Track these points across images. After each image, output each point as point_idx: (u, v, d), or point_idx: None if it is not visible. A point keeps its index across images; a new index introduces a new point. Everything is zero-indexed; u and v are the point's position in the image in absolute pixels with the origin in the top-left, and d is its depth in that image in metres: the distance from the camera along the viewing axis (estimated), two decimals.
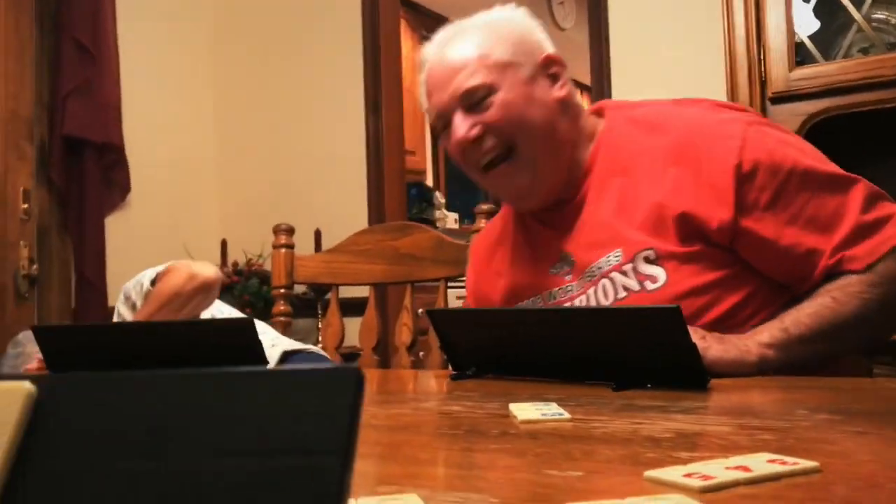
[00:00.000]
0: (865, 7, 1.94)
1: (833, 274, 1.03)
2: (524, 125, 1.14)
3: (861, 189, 1.05)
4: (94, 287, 2.86)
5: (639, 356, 0.88)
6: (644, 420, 0.67)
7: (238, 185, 3.39)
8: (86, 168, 2.86)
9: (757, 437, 0.60)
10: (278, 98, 3.30)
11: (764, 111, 1.94)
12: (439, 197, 5.06)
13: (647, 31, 2.44)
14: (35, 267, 2.82)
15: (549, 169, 1.17)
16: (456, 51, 1.16)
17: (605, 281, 1.11)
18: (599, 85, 2.65)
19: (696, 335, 0.97)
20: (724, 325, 1.03)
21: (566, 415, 0.68)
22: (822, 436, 0.59)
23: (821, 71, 1.90)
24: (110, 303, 2.91)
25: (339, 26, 3.18)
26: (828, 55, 1.98)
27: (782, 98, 1.92)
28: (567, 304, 1.16)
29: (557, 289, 1.18)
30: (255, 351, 1.30)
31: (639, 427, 0.63)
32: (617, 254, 1.10)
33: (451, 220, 5.09)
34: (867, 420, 0.65)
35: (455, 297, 2.57)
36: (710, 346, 0.96)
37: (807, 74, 1.90)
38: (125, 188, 3.02)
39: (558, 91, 1.18)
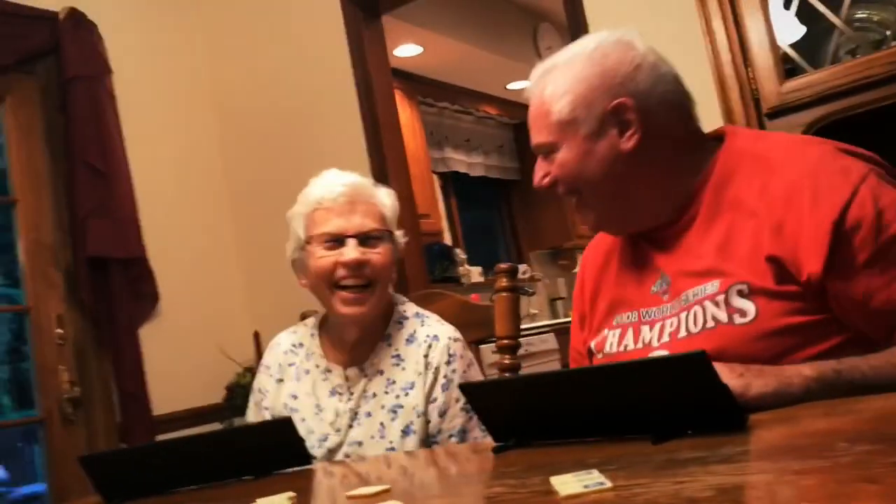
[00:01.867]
0: (844, 9, 1.94)
1: None
2: (581, 180, 1.20)
3: None
4: (138, 400, 2.89)
5: (674, 404, 0.88)
6: (685, 477, 0.67)
7: (262, 277, 3.44)
8: (113, 284, 2.92)
9: (797, 483, 0.60)
10: (289, 188, 3.34)
11: (761, 127, 1.94)
12: (460, 253, 5.09)
13: None
14: (77, 389, 2.86)
15: (616, 212, 1.23)
16: (535, 96, 1.22)
17: (696, 308, 1.12)
18: None
19: (734, 373, 0.96)
20: None
21: (608, 483, 0.68)
22: (862, 472, 0.59)
23: (811, 80, 1.90)
24: (154, 411, 2.94)
25: (338, 111, 3.25)
26: (816, 61, 1.97)
27: (777, 112, 1.92)
28: (660, 323, 1.18)
29: (655, 308, 1.20)
30: (297, 448, 1.32)
31: (680, 488, 0.63)
32: (714, 284, 1.11)
33: (475, 273, 5.11)
34: None
35: (490, 352, 2.57)
36: (750, 382, 0.95)
37: (798, 86, 1.90)
38: (154, 298, 3.08)
39: (626, 143, 1.16)
